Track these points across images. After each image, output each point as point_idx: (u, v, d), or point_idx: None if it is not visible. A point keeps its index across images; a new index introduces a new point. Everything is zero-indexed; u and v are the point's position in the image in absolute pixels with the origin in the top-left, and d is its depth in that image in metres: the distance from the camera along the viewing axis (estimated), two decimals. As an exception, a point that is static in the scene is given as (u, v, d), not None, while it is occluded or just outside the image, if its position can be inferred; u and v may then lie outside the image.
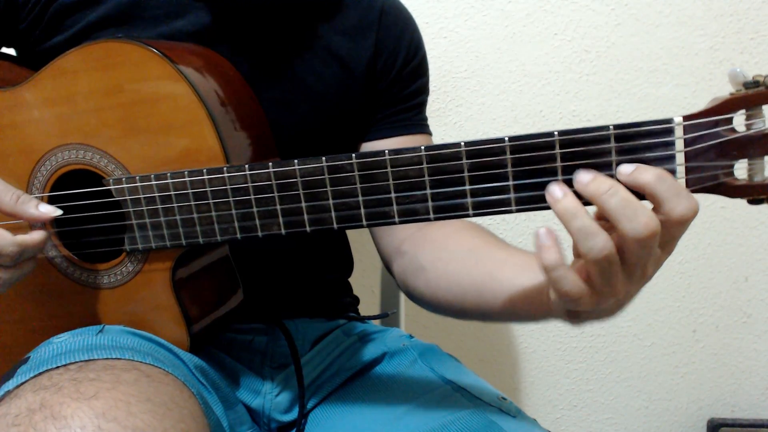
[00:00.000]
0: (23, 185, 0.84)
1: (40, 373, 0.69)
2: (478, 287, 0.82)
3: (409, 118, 1.03)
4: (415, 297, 0.96)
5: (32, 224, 0.78)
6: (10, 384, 0.69)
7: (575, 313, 0.67)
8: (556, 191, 0.62)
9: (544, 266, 0.62)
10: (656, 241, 0.60)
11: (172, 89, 0.77)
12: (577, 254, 0.63)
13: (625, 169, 0.61)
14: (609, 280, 0.61)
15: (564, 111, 1.50)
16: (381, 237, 1.03)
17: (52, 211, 0.77)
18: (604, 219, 0.61)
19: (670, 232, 0.60)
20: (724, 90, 0.62)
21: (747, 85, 0.59)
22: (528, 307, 0.75)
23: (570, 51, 1.48)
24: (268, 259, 0.98)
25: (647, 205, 0.60)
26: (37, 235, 0.76)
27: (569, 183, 0.62)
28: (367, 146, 1.02)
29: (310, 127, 0.95)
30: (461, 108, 1.51)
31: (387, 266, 1.04)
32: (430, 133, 1.07)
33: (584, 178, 0.61)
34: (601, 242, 0.59)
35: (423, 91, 1.06)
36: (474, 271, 0.83)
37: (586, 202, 0.62)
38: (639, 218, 0.58)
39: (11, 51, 0.96)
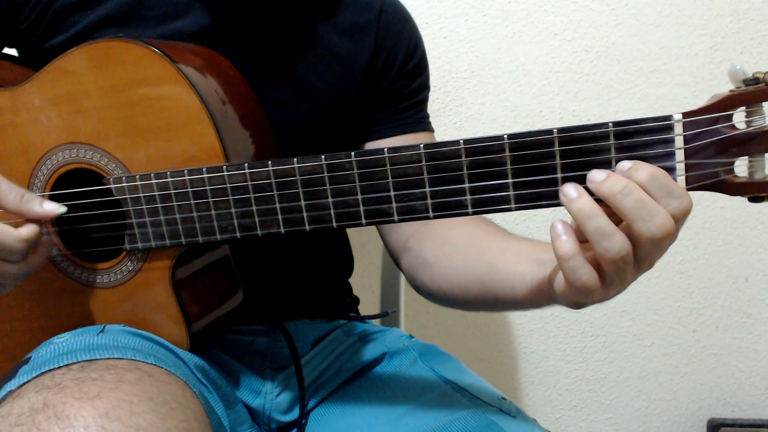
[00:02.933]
0: (24, 184, 0.84)
1: (42, 373, 0.69)
2: (480, 278, 0.83)
3: (410, 116, 1.03)
4: (423, 292, 0.97)
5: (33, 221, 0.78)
6: (12, 384, 0.69)
7: (576, 304, 0.68)
8: (571, 191, 0.61)
9: (559, 256, 0.62)
10: (671, 240, 0.60)
11: (173, 89, 0.77)
12: (585, 243, 0.63)
13: (623, 166, 0.61)
14: (621, 275, 0.62)
15: (564, 111, 1.50)
16: (388, 234, 1.03)
17: (56, 208, 0.77)
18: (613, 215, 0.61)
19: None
20: (724, 90, 0.62)
21: (747, 82, 0.59)
22: (530, 295, 0.75)
23: (570, 51, 1.48)
24: (269, 260, 0.98)
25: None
26: (33, 228, 0.76)
27: (572, 180, 0.63)
28: (370, 146, 1.02)
29: (310, 127, 0.95)
30: (461, 108, 1.51)
31: (395, 263, 1.05)
32: (432, 130, 1.07)
33: (598, 176, 0.61)
34: (618, 243, 0.60)
35: (423, 88, 1.06)
36: (475, 263, 0.84)
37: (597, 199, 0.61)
38: (654, 219, 0.58)
39: (12, 51, 0.96)
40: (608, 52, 1.48)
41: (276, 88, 0.93)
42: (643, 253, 0.61)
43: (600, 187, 0.60)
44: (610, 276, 0.62)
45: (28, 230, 0.75)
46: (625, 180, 0.59)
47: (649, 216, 0.58)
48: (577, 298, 0.65)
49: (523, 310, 0.83)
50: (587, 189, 0.62)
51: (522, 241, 0.83)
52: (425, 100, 1.07)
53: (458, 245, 0.89)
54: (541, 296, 0.73)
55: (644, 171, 0.59)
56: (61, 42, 0.89)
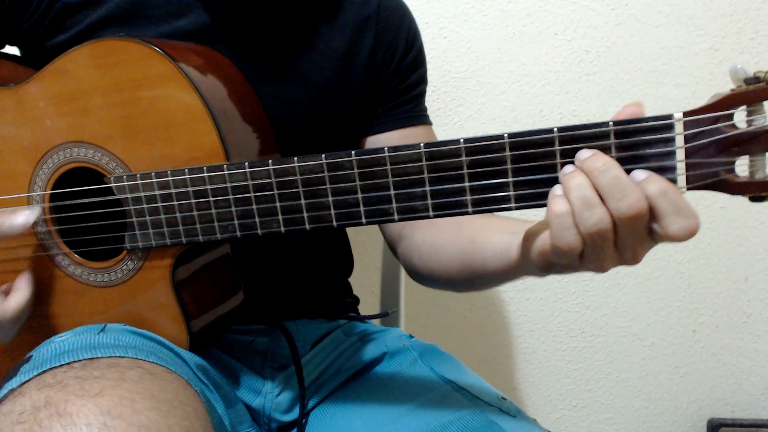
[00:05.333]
0: (25, 183, 0.84)
1: (43, 371, 0.69)
2: (460, 253, 0.86)
3: (410, 110, 1.04)
4: (415, 276, 1.00)
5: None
6: (13, 382, 0.69)
7: (550, 266, 0.69)
8: (568, 167, 0.63)
9: (552, 212, 0.62)
10: (642, 223, 0.60)
11: (174, 88, 0.77)
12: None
13: (637, 176, 0.61)
14: (598, 251, 0.62)
15: (564, 111, 1.50)
16: (385, 225, 1.05)
17: (29, 215, 0.81)
18: None
19: (662, 241, 0.62)
20: (725, 90, 0.62)
21: (748, 81, 0.59)
22: (500, 265, 0.78)
23: (570, 51, 1.48)
24: (270, 260, 0.98)
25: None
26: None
27: None
28: (370, 141, 1.03)
29: (311, 123, 0.96)
30: (461, 108, 1.51)
31: (393, 252, 1.07)
32: (430, 123, 1.08)
33: (584, 154, 0.62)
34: (597, 215, 0.60)
35: (422, 81, 1.06)
36: (457, 239, 0.87)
37: None
38: (626, 198, 0.59)
39: (15, 50, 0.96)
40: (608, 52, 1.48)
41: (277, 85, 0.93)
42: (621, 235, 0.61)
43: (583, 164, 0.61)
44: (588, 248, 0.63)
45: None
46: (606, 158, 0.61)
47: (622, 194, 0.59)
48: (554, 258, 0.66)
49: (496, 285, 0.86)
50: None
51: (502, 218, 0.85)
52: (423, 93, 1.07)
53: (444, 225, 0.92)
54: (509, 265, 0.76)
55: (657, 184, 0.60)
56: (63, 41, 0.89)
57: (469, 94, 1.50)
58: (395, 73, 1.01)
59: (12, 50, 0.97)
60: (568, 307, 1.63)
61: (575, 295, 1.62)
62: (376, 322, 1.16)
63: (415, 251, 0.97)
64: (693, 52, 1.47)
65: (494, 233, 0.80)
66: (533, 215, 0.66)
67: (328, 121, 0.97)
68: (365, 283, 1.49)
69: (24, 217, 0.80)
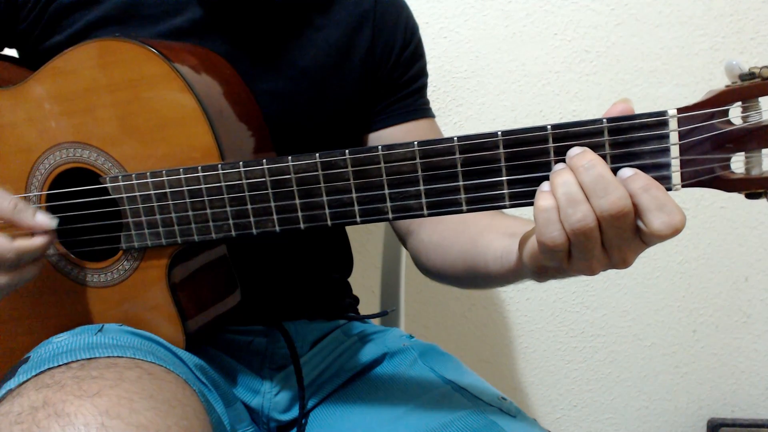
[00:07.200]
0: (22, 184, 0.84)
1: (41, 372, 0.69)
2: (464, 254, 0.86)
3: (411, 103, 1.04)
4: (424, 271, 1.01)
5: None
6: (12, 383, 0.69)
7: (543, 270, 0.68)
8: (559, 164, 0.63)
9: (538, 207, 0.62)
10: (627, 222, 0.60)
11: (169, 88, 0.77)
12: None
13: (623, 174, 0.61)
14: (585, 251, 0.62)
15: (564, 111, 1.50)
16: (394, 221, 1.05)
17: (48, 221, 0.77)
18: None
19: (649, 241, 0.61)
20: (720, 86, 0.62)
21: (743, 77, 0.59)
22: (500, 269, 0.78)
23: (570, 51, 1.48)
24: (268, 260, 0.98)
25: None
26: (38, 240, 0.76)
27: None
28: (373, 137, 1.03)
29: (310, 120, 0.96)
30: (461, 108, 1.51)
31: (403, 245, 1.08)
32: (433, 116, 1.08)
33: (573, 151, 0.62)
34: (581, 212, 0.60)
35: (422, 74, 1.06)
36: (461, 239, 0.87)
37: None
38: (608, 196, 0.59)
39: (12, 51, 0.97)
40: (608, 52, 1.48)
41: (274, 80, 0.93)
42: (607, 234, 0.61)
43: (571, 161, 0.62)
44: (574, 246, 0.62)
45: (22, 242, 0.75)
46: (592, 156, 0.61)
47: (604, 192, 0.59)
48: (543, 259, 0.66)
49: (500, 286, 0.87)
50: None
51: (506, 218, 0.86)
52: (425, 86, 1.07)
53: (449, 222, 0.92)
54: (509, 269, 0.76)
55: (640, 181, 0.60)
56: (59, 41, 0.89)
57: (469, 94, 1.50)
58: (395, 67, 1.01)
59: (11, 53, 0.97)
60: (568, 307, 1.63)
61: (575, 295, 1.62)
62: (376, 321, 1.16)
63: (422, 249, 0.98)
64: (693, 52, 1.47)
65: (496, 236, 0.80)
66: (528, 212, 0.66)
67: (326, 117, 0.97)
68: (365, 283, 1.48)
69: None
